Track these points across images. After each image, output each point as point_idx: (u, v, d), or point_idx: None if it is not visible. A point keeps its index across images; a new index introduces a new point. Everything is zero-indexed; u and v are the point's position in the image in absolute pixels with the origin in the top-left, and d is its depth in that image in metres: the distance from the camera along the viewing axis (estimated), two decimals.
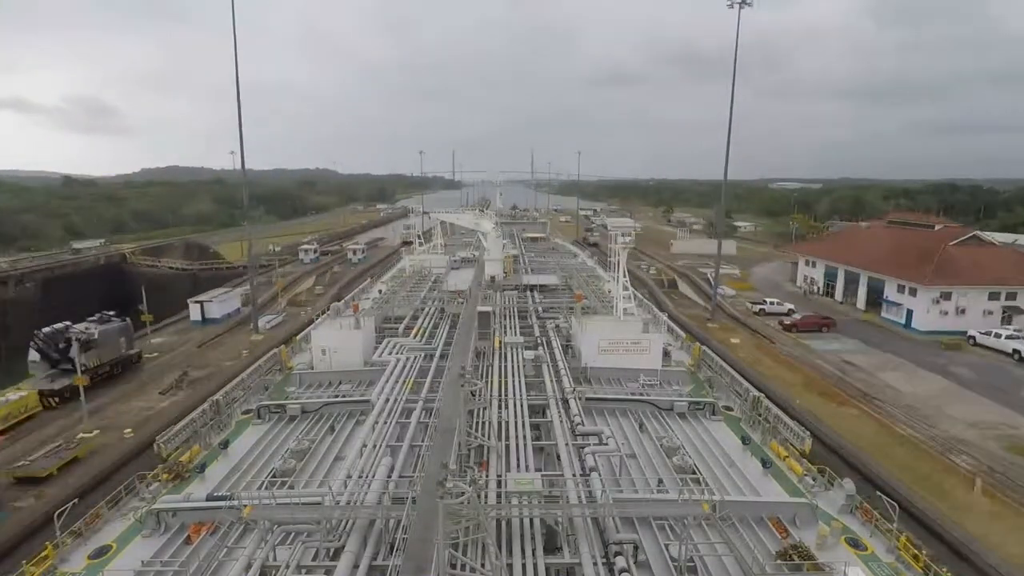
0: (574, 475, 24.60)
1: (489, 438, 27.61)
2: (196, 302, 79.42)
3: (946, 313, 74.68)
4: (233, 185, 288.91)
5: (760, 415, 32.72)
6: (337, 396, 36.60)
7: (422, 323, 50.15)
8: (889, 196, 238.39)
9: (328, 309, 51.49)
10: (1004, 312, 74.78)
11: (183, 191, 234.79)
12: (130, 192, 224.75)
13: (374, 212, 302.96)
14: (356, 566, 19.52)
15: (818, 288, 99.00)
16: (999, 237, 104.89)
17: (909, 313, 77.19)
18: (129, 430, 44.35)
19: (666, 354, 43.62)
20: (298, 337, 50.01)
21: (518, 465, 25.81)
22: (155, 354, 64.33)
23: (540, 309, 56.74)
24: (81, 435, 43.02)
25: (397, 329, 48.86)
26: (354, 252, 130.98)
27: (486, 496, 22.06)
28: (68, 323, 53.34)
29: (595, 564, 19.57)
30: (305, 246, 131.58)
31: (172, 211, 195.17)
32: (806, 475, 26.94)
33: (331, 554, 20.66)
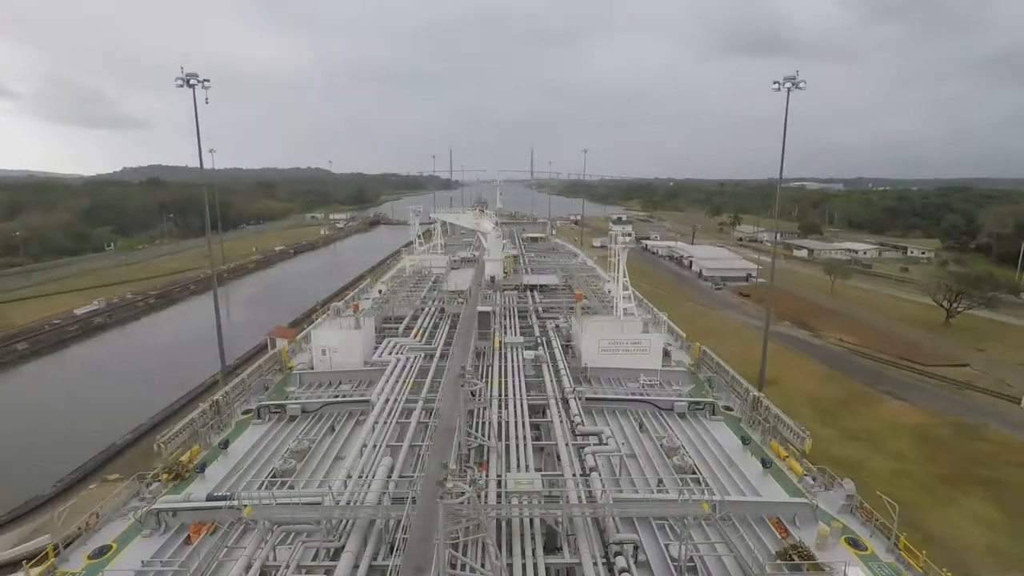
0: (574, 475, 24.62)
1: (489, 438, 27.63)
2: None
3: None
4: (176, 188, 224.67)
5: (760, 415, 32.73)
6: (337, 396, 36.63)
7: (422, 323, 50.17)
8: None
9: (328, 309, 51.54)
10: None
11: (28, 199, 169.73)
12: None
13: (322, 224, 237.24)
14: (356, 566, 19.53)
15: None
16: None
17: None
18: None
19: (666, 354, 43.64)
20: (299, 337, 50.02)
21: (518, 465, 25.81)
22: None
23: (540, 309, 56.79)
24: None
25: (397, 329, 48.88)
26: None
27: (486, 496, 22.08)
28: None
29: (595, 564, 19.60)
30: None
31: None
32: (806, 475, 26.96)
33: (331, 554, 20.68)
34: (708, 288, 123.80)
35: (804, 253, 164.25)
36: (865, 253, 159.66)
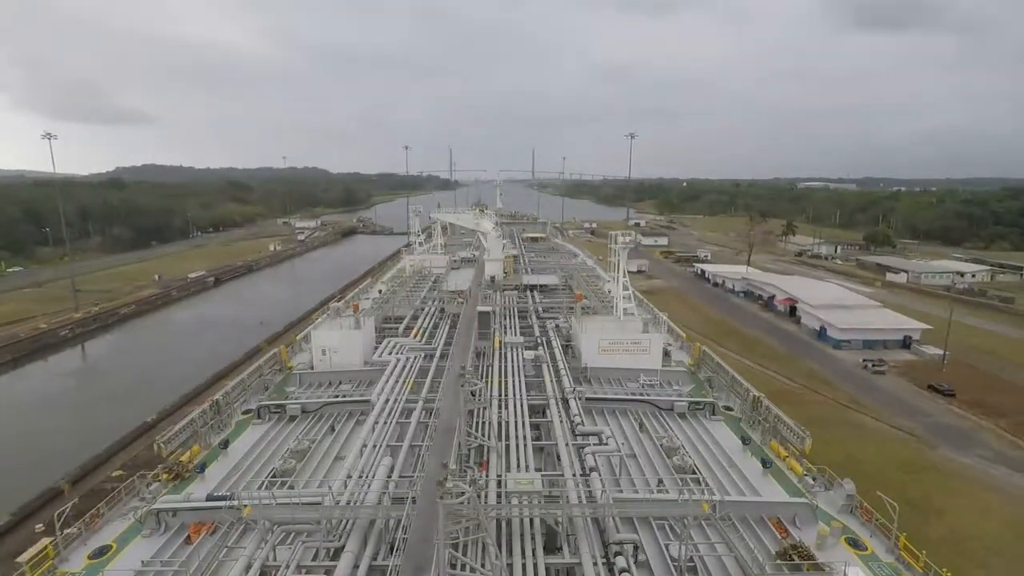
0: (574, 475, 24.62)
1: (489, 438, 27.62)
2: None
3: None
4: (137, 191, 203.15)
5: (760, 415, 32.73)
6: (337, 396, 36.64)
7: (422, 323, 50.20)
8: None
9: (328, 309, 51.56)
10: None
11: None
12: None
13: (279, 235, 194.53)
14: (356, 566, 19.54)
15: None
16: None
17: None
18: None
19: (666, 354, 43.65)
20: (298, 337, 50.03)
21: (518, 465, 25.81)
22: None
23: (540, 309, 56.78)
24: None
25: (397, 329, 48.91)
26: None
27: (486, 496, 22.08)
28: None
29: (595, 564, 19.61)
30: None
31: None
32: (806, 475, 26.97)
33: (331, 554, 20.69)
34: (853, 366, 71.68)
35: (902, 278, 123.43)
36: (974, 276, 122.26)
